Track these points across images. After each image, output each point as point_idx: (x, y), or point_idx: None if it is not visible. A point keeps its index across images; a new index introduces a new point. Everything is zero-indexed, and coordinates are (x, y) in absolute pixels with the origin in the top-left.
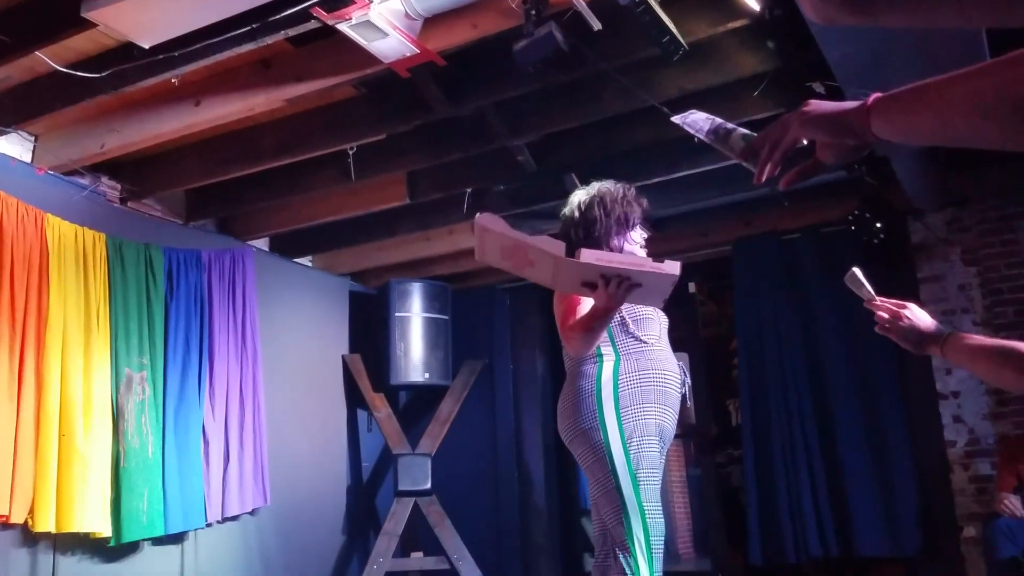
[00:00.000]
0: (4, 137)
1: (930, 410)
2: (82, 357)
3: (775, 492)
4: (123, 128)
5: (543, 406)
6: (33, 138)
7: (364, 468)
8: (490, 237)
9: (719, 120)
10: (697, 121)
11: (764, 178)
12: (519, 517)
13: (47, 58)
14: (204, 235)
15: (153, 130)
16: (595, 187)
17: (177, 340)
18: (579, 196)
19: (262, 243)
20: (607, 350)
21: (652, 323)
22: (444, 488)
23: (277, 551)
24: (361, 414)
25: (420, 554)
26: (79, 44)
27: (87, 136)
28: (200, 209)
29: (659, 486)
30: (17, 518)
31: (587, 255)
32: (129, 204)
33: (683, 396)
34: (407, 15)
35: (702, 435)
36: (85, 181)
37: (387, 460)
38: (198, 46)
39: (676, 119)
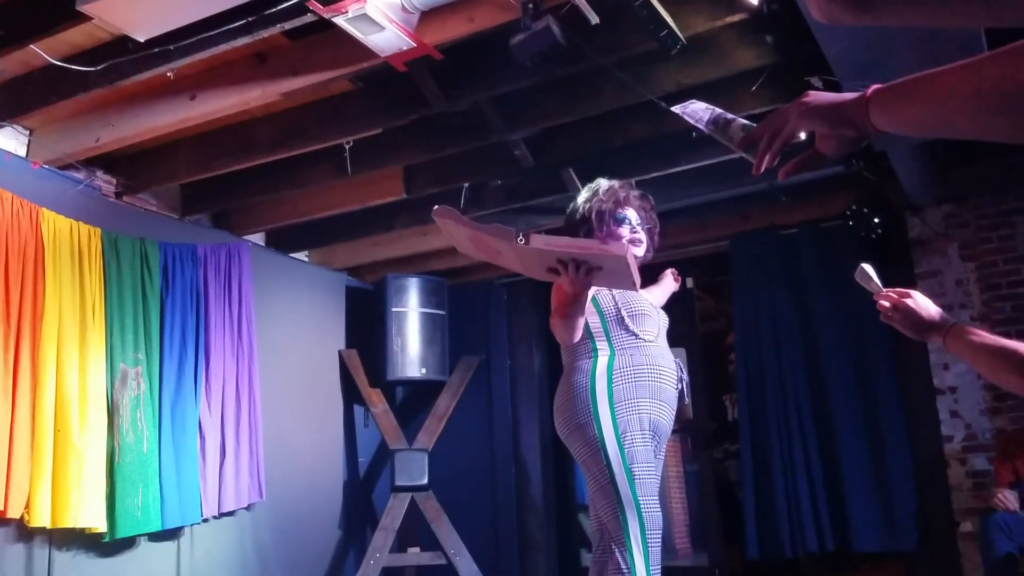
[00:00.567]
0: None
1: (927, 405)
2: (77, 352)
3: (772, 487)
4: (118, 122)
5: (540, 402)
6: (28, 132)
7: (361, 463)
8: (451, 229)
9: (719, 110)
10: (697, 111)
11: (763, 168)
12: (516, 513)
13: (42, 51)
14: (200, 229)
15: (148, 124)
16: (594, 183)
17: (173, 335)
18: (584, 191)
19: (258, 238)
20: (602, 345)
21: (650, 320)
22: (441, 484)
23: (273, 547)
24: (358, 409)
25: (417, 550)
26: (74, 38)
27: (82, 130)
28: (196, 203)
29: (655, 481)
30: (13, 513)
31: (536, 240)
32: (124, 198)
33: (680, 393)
34: (403, 8)
35: (699, 430)
36: (80, 175)
37: (384, 455)
38: (193, 40)
39: (676, 109)
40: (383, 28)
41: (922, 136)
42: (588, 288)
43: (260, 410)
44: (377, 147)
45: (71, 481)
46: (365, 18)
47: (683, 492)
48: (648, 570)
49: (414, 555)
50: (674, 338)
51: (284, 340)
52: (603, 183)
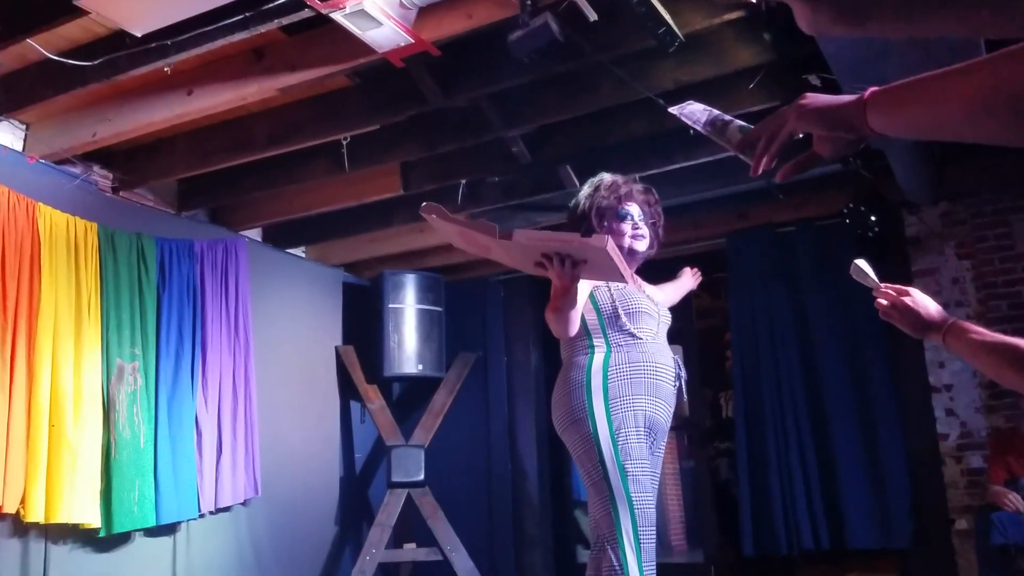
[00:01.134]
0: None
1: (923, 403)
2: (73, 347)
3: (768, 484)
4: (115, 117)
5: (536, 398)
6: (24, 127)
7: (357, 459)
8: (440, 225)
9: (716, 111)
10: (694, 112)
11: (760, 170)
12: (512, 509)
13: (38, 46)
14: (196, 225)
15: (145, 119)
16: (596, 178)
17: (170, 331)
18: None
19: (255, 233)
20: (599, 342)
21: (648, 318)
22: (437, 480)
23: (270, 542)
24: (354, 405)
25: (413, 545)
26: (71, 32)
27: (79, 125)
28: (192, 199)
29: (649, 478)
30: (9, 508)
31: (518, 235)
32: (121, 193)
33: (679, 390)
34: (401, 4)
35: (695, 427)
36: (77, 170)
37: (380, 451)
38: (190, 35)
39: (673, 110)
40: (381, 24)
41: (920, 138)
42: (575, 281)
43: (256, 406)
44: (374, 143)
45: (65, 476)
46: (363, 14)
47: (679, 489)
48: (640, 567)
49: (410, 551)
50: (671, 335)
51: (281, 336)
52: (606, 178)
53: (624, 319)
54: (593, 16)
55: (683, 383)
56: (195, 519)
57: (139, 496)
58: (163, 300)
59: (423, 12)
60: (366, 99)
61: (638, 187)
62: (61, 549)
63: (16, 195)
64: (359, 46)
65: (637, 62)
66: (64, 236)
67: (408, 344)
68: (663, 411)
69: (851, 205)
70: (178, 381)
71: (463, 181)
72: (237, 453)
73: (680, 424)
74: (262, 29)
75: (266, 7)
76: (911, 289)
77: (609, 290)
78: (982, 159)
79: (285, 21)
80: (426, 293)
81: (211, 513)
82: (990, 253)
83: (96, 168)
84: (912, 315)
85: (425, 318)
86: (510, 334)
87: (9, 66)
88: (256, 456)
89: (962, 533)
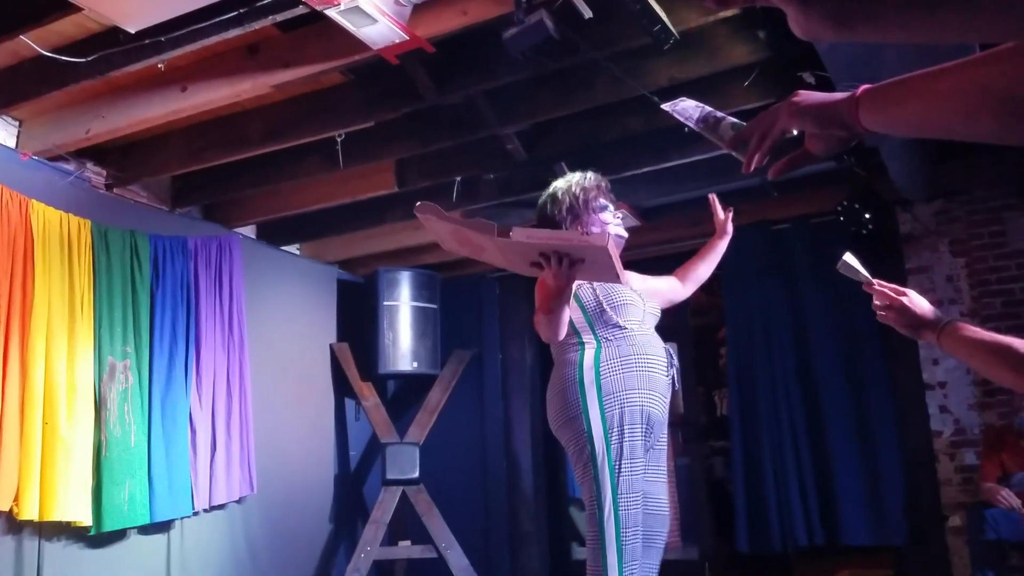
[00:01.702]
0: None
1: (917, 400)
2: (66, 344)
3: (762, 481)
4: (109, 113)
5: (531, 395)
6: (17, 123)
7: (352, 457)
8: (434, 225)
9: (709, 108)
10: (687, 109)
11: (753, 167)
12: (507, 506)
13: (32, 42)
14: (190, 222)
15: (139, 115)
16: (566, 177)
17: (163, 328)
18: (556, 184)
19: (249, 230)
20: (588, 337)
21: (633, 309)
22: (432, 477)
23: (264, 540)
24: (349, 403)
25: (408, 543)
26: (64, 28)
27: (72, 121)
28: (186, 195)
29: (642, 477)
30: (3, 506)
31: (516, 233)
32: (114, 190)
33: (672, 380)
34: (396, 1)
35: (690, 425)
36: (70, 167)
37: (375, 449)
38: (185, 31)
39: (666, 107)
40: (375, 20)
41: (912, 136)
42: (572, 282)
43: (251, 403)
44: (369, 140)
45: (58, 474)
46: (357, 10)
47: (674, 486)
48: (621, 570)
49: (405, 548)
50: (665, 331)
51: (275, 333)
52: (574, 176)
53: (610, 312)
54: (588, 13)
55: (676, 372)
56: (189, 517)
57: (130, 494)
58: (157, 297)
59: (418, 9)
60: (361, 96)
61: (604, 184)
62: (55, 547)
63: (9, 192)
64: (354, 42)
65: (632, 59)
66: (57, 233)
67: (403, 341)
68: (659, 404)
69: (845, 202)
70: (172, 378)
71: (458, 178)
72: (231, 450)
73: (675, 421)
74: (256, 25)
75: (260, 3)
76: (907, 290)
77: (592, 286)
78: (976, 157)
79: (280, 17)
80: (421, 290)
81: (205, 511)
82: (984, 250)
83: (89, 165)
84: (908, 315)
85: (420, 315)
86: (505, 331)
87: (2, 62)
88: (251, 453)
89: (956, 530)
